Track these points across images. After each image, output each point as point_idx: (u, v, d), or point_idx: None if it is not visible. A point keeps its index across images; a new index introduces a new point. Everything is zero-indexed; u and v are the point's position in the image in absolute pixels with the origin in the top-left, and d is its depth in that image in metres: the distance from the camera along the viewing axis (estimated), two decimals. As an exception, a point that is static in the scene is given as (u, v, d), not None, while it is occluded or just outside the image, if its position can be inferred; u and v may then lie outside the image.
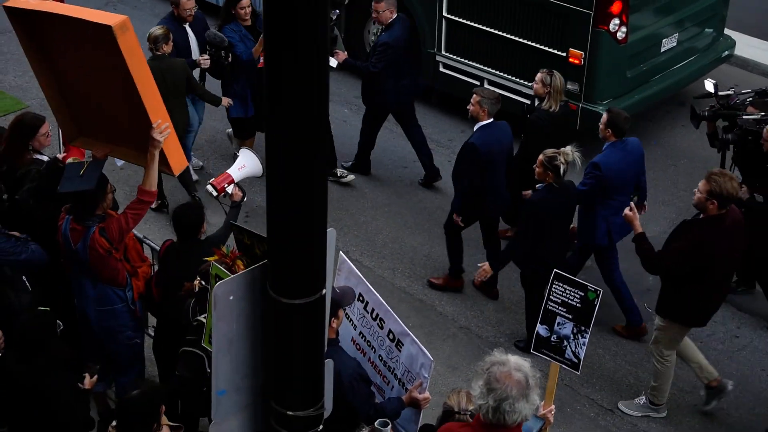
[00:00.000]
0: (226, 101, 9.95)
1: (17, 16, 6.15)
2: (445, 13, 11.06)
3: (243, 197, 7.11)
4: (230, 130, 10.91)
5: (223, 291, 4.19)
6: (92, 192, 6.42)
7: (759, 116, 8.28)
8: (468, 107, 8.59)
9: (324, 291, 4.15)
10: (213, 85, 10.30)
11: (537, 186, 8.02)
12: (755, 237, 7.91)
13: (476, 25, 10.85)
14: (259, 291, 4.25)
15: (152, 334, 7.59)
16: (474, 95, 8.52)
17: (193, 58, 9.75)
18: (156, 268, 7.35)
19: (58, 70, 6.44)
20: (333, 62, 9.96)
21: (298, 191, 3.91)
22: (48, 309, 6.21)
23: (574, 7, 10.02)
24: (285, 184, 3.91)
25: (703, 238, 7.13)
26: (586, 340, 6.10)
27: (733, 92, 8.85)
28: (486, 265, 8.39)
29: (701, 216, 7.28)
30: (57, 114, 6.65)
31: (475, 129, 8.54)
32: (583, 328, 6.09)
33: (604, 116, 8.36)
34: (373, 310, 6.35)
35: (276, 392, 4.36)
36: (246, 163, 7.08)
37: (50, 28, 6.17)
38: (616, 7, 10.00)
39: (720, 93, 8.77)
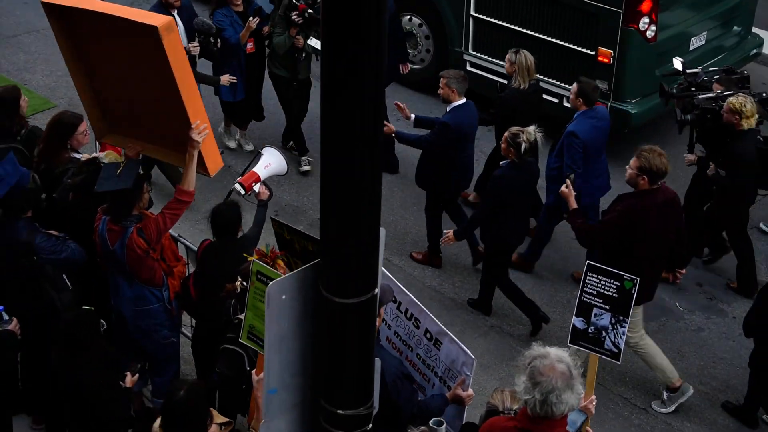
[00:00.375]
0: (225, 78, 10.07)
1: (55, 12, 6.18)
2: (472, 12, 11.06)
3: (270, 195, 7.15)
4: (221, 127, 11.04)
5: (275, 290, 4.20)
6: (129, 192, 6.43)
7: (714, 94, 8.55)
8: (438, 91, 8.86)
9: (376, 290, 4.15)
10: (205, 70, 10.42)
11: (501, 162, 8.35)
12: (722, 211, 8.59)
13: (504, 23, 10.85)
14: (310, 290, 4.25)
15: (187, 333, 7.61)
16: (441, 78, 8.78)
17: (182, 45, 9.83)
18: (190, 267, 7.38)
19: (93, 68, 6.47)
20: (318, 44, 9.96)
21: (352, 190, 3.90)
22: (92, 308, 6.24)
23: (603, 5, 10.00)
24: (339, 182, 3.90)
25: (632, 209, 7.36)
26: (626, 330, 6.16)
27: (700, 70, 9.15)
28: (450, 233, 8.69)
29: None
30: (89, 111, 6.68)
31: (448, 110, 8.78)
32: (621, 318, 6.12)
33: (575, 86, 8.71)
34: (407, 309, 6.34)
35: (326, 391, 4.36)
36: (271, 161, 7.09)
37: (89, 26, 6.19)
38: (645, 6, 9.98)
39: (688, 71, 9.01)
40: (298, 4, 9.82)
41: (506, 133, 8.11)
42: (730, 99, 8.22)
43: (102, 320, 6.24)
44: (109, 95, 6.59)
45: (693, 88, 8.79)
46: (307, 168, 10.81)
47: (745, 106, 8.11)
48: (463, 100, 8.79)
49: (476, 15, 11.05)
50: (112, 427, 6.24)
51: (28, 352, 7.07)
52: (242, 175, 7.13)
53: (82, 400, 6.10)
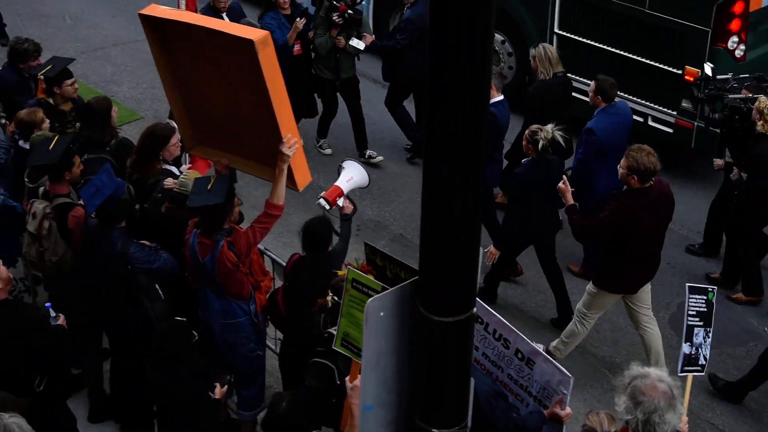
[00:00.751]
0: None
1: (151, 24, 6.31)
2: (556, 29, 11.00)
3: (354, 210, 7.17)
4: None
5: (374, 307, 4.21)
6: (221, 206, 6.47)
7: (745, 96, 8.61)
8: None
9: (475, 309, 4.14)
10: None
11: (523, 160, 8.63)
12: (743, 212, 8.68)
13: (588, 41, 10.77)
14: (408, 308, 4.25)
15: (271, 346, 7.67)
16: None
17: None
18: (276, 281, 7.43)
19: (184, 79, 6.57)
20: (360, 45, 10.44)
21: (454, 208, 3.90)
22: (185, 320, 6.31)
23: (692, 24, 9.88)
24: (442, 200, 3.90)
25: (623, 209, 7.52)
26: (711, 339, 6.20)
27: (730, 76, 9.11)
28: (491, 248, 8.89)
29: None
30: (179, 122, 6.78)
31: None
32: (708, 329, 6.09)
33: (593, 84, 8.95)
34: (495, 330, 6.26)
35: (421, 409, 4.35)
36: (353, 175, 7.11)
37: (184, 38, 6.29)
38: (734, 25, 9.85)
39: (718, 77, 9.06)
40: (338, 5, 10.14)
41: (526, 131, 8.39)
42: (761, 97, 8.29)
43: (194, 332, 6.29)
44: (200, 107, 6.66)
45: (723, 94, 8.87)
46: (378, 158, 11.19)
47: None
48: (501, 97, 9.06)
49: (560, 32, 10.99)
50: (202, 438, 6.30)
51: (120, 360, 7.19)
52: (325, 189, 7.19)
53: (173, 410, 6.18)
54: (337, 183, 7.07)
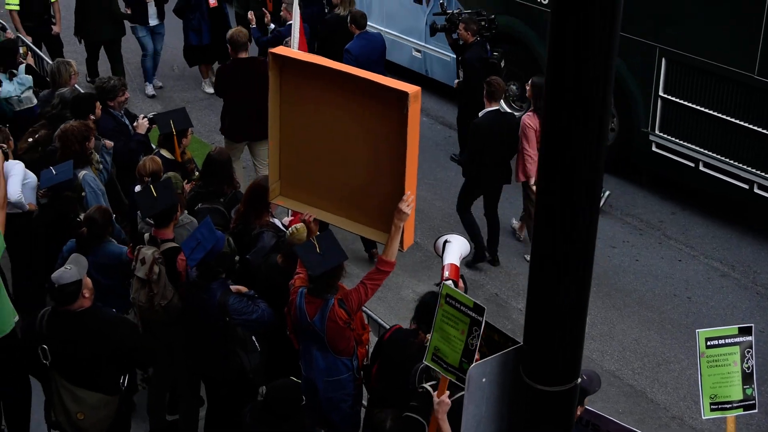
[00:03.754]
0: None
1: (279, 63, 6.31)
2: (661, 93, 10.89)
3: (465, 289, 6.99)
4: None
5: (476, 373, 4.20)
6: (336, 267, 6.44)
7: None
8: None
9: (579, 380, 4.09)
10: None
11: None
12: None
13: (694, 105, 10.63)
14: (511, 375, 4.23)
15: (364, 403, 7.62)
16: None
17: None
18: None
19: (295, 125, 6.46)
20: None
21: (562, 280, 3.89)
22: (299, 382, 6.28)
23: (802, 91, 9.70)
24: (550, 271, 3.89)
25: None
26: None
27: (460, 9, 12.13)
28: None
29: None
30: (270, 170, 6.70)
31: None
32: None
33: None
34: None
35: (521, 478, 4.31)
36: (462, 252, 6.91)
37: (313, 82, 6.22)
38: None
39: (448, 10, 12.01)
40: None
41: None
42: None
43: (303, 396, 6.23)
44: (301, 155, 6.55)
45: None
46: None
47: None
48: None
49: (665, 96, 10.88)
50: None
51: (215, 408, 7.25)
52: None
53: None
54: (452, 261, 6.76)
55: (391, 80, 5.98)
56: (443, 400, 5.36)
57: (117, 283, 7.47)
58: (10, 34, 12.24)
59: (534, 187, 9.62)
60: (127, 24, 14.14)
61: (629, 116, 11.34)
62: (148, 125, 9.38)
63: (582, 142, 3.57)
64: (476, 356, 5.06)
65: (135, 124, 9.48)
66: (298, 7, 9.63)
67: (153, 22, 14.06)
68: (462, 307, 4.95)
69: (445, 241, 6.76)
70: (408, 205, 6.07)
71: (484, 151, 9.91)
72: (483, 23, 11.65)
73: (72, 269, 6.42)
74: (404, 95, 5.76)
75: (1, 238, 7.17)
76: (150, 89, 14.58)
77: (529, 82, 10.25)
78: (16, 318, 7.03)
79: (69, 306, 6.42)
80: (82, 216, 7.63)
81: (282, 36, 11.34)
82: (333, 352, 6.59)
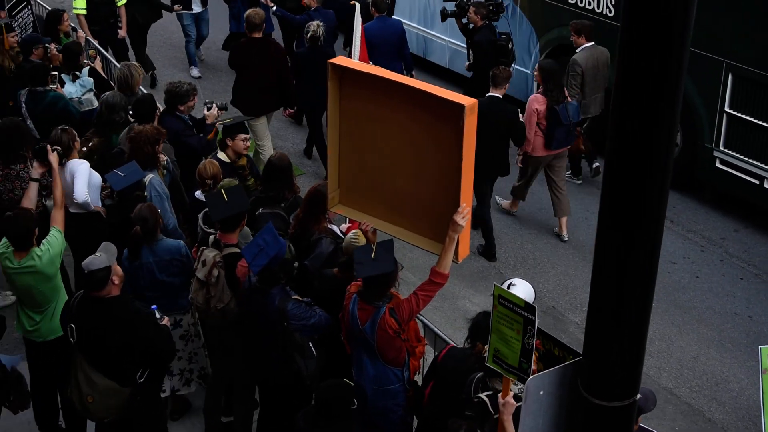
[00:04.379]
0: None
1: (338, 74, 6.36)
2: (727, 108, 10.74)
3: None
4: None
5: (534, 385, 4.18)
6: (388, 274, 6.45)
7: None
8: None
9: (639, 396, 4.05)
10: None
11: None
12: None
13: (759, 122, 10.47)
14: (568, 389, 4.20)
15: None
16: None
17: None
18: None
19: (354, 135, 6.50)
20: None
21: (624, 294, 3.85)
22: (351, 383, 6.31)
23: None
24: (612, 285, 3.86)
25: None
26: None
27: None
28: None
29: None
30: (329, 179, 6.75)
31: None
32: None
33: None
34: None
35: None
36: (525, 296, 6.81)
37: (371, 93, 6.27)
38: None
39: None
40: None
41: None
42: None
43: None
44: (359, 165, 6.58)
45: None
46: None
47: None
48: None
49: (730, 111, 10.73)
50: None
51: (269, 412, 7.30)
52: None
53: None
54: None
55: (448, 92, 6.00)
56: (508, 400, 5.37)
57: (185, 281, 7.55)
58: (81, 35, 12.43)
59: (520, 156, 10.82)
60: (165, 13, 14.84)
61: (693, 131, 11.21)
62: (216, 114, 9.53)
63: (648, 156, 3.55)
64: (534, 354, 5.10)
65: (206, 113, 9.61)
66: (359, 17, 9.71)
67: (197, 8, 14.78)
68: (515, 308, 5.03)
69: (510, 284, 6.70)
70: (463, 217, 6.06)
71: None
72: (491, 8, 12.16)
73: (102, 256, 6.54)
74: (460, 108, 5.78)
75: (61, 236, 7.31)
76: (195, 71, 15.24)
77: (537, 66, 11.12)
78: None
79: (98, 292, 6.53)
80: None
81: (308, 20, 11.96)
82: (383, 360, 6.58)
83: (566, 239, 10.98)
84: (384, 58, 11.46)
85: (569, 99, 10.63)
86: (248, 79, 11.58)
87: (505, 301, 5.04)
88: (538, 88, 10.92)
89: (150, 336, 6.58)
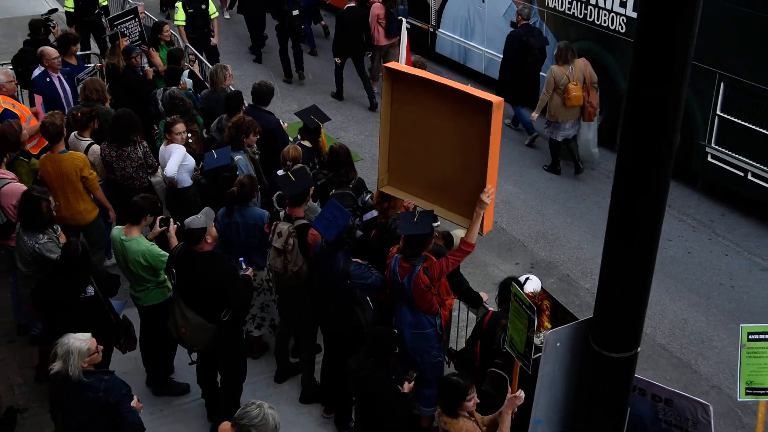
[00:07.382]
0: None
1: (391, 75, 6.43)
2: (718, 111, 10.59)
3: None
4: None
5: (552, 338, 4.20)
6: (424, 236, 6.47)
7: None
8: None
9: (639, 348, 4.06)
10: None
11: None
12: None
13: (745, 123, 10.31)
14: (581, 342, 4.22)
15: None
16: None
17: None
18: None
19: (403, 127, 6.54)
20: None
21: (632, 265, 3.86)
22: (396, 331, 6.40)
23: None
24: (622, 257, 3.86)
25: None
26: None
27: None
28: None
29: None
30: (380, 163, 6.80)
31: None
32: None
33: None
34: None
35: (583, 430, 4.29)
36: (532, 288, 6.75)
37: (418, 92, 6.31)
38: None
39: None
40: None
41: None
42: None
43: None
44: (406, 153, 6.62)
45: None
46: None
47: None
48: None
49: (721, 114, 10.57)
50: (392, 425, 6.35)
51: (331, 356, 7.38)
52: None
53: (370, 399, 6.27)
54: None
55: (479, 91, 6.02)
56: (517, 395, 5.41)
57: (261, 243, 7.60)
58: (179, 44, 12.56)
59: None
60: None
61: (689, 130, 11.06)
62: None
63: (655, 148, 3.55)
64: (545, 314, 5.38)
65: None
66: (406, 31, 9.70)
67: None
68: (524, 306, 5.18)
69: (527, 278, 6.68)
70: (488, 196, 6.09)
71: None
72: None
73: (201, 218, 6.63)
74: (489, 104, 5.80)
75: (163, 263, 7.18)
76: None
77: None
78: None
79: (194, 246, 6.63)
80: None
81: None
82: (419, 309, 6.64)
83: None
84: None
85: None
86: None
87: (518, 300, 5.23)
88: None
89: (232, 284, 6.66)
